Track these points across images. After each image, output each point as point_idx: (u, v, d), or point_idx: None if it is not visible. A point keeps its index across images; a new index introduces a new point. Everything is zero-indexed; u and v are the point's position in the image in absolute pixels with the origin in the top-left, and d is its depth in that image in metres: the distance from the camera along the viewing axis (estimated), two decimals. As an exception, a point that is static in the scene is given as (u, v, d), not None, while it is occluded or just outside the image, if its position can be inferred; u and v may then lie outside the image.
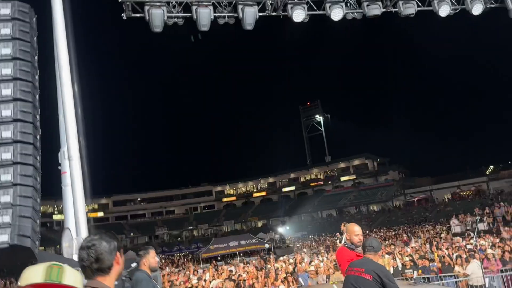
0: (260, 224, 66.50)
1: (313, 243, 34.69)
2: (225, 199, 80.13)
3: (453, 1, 9.36)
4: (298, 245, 34.04)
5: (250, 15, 9.34)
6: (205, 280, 14.20)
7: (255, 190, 79.87)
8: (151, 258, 4.73)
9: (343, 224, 12.76)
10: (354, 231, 5.11)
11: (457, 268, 11.96)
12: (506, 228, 20.16)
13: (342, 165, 72.93)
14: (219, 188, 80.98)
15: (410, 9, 9.30)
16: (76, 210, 5.73)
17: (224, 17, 9.60)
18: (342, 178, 71.42)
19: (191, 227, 71.05)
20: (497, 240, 15.52)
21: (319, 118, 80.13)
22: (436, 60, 77.15)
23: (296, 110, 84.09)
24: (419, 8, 9.54)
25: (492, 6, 9.37)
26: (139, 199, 76.97)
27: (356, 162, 71.43)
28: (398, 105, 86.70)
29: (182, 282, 14.53)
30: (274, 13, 9.91)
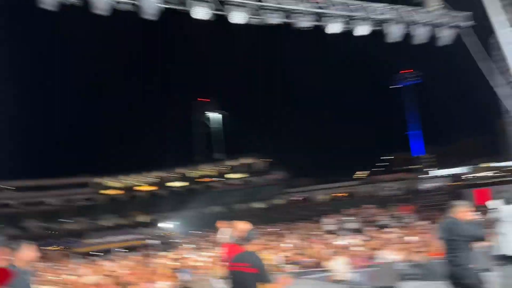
0: (144, 219, 64.75)
1: (199, 239, 34.84)
2: (106, 192, 76.37)
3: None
4: (183, 240, 33.90)
5: (150, 4, 9.19)
6: (80, 276, 13.54)
7: (141, 184, 77.52)
8: (26, 252, 4.50)
9: (218, 221, 13.09)
10: (239, 228, 5.36)
11: (327, 263, 13.04)
12: (370, 228, 22.41)
13: (231, 163, 74.44)
14: (99, 180, 76.83)
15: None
16: None
17: (124, 3, 9.30)
18: (231, 176, 72.92)
19: (66, 220, 66.51)
20: (364, 239, 17.25)
21: (212, 115, 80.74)
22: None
23: (189, 105, 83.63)
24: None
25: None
26: (7, 187, 69.85)
27: (246, 160, 73.54)
28: (288, 110, 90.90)
29: (55, 278, 13.67)
30: (174, 6, 9.87)
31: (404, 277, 9.74)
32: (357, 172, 71.35)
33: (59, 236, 56.96)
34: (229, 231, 6.99)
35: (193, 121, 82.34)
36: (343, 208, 38.77)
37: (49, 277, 13.93)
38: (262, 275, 4.33)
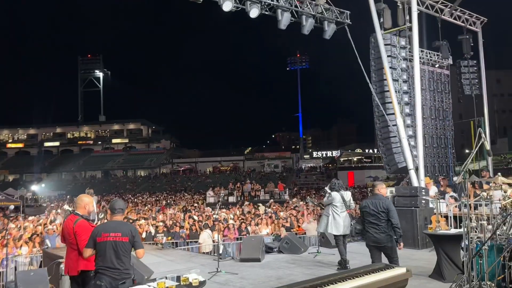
0: (11, 178, 59.44)
1: (71, 203, 32.98)
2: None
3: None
4: (52, 205, 31.86)
5: None
6: None
7: (10, 140, 70.62)
8: None
9: (88, 188, 12.58)
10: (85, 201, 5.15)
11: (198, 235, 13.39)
12: (247, 203, 23.40)
13: (116, 127, 71.28)
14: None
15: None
16: None
17: None
18: (114, 140, 69.95)
19: None
20: (238, 212, 17.98)
21: (99, 73, 76.02)
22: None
23: (75, 60, 77.58)
24: None
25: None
26: None
27: (131, 126, 70.92)
28: (181, 78, 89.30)
29: None
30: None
31: (269, 249, 10.46)
32: (246, 148, 73.39)
33: None
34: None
35: (80, 79, 76.78)
36: (227, 182, 39.83)
37: None
38: (133, 240, 4.57)
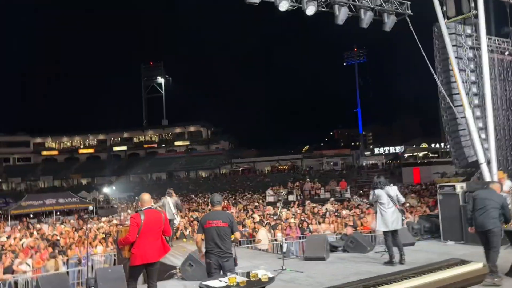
0: (84, 182, 63.14)
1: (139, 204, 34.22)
2: (45, 153, 73.40)
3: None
4: (123, 206, 33.51)
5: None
6: (14, 239, 13.21)
7: (81, 146, 75.06)
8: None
9: (169, 188, 13.15)
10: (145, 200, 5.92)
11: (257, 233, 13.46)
12: (308, 202, 23.27)
13: (178, 130, 73.62)
14: (38, 140, 73.63)
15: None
16: None
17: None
18: (176, 143, 72.24)
19: (0, 180, 63.56)
20: (299, 211, 17.92)
21: (161, 80, 78.78)
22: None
23: (138, 68, 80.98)
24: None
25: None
26: None
27: (192, 128, 72.90)
28: (237, 83, 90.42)
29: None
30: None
31: (333, 248, 10.35)
32: (304, 146, 72.95)
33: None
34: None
35: (143, 85, 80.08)
36: (285, 181, 39.79)
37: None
38: (231, 225, 5.81)
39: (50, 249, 11.62)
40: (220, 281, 4.37)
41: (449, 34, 11.04)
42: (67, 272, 9.71)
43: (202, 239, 5.82)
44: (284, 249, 11.11)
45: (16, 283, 9.27)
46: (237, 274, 4.51)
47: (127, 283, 6.04)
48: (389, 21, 11.24)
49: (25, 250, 11.28)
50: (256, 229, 14.27)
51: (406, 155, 51.07)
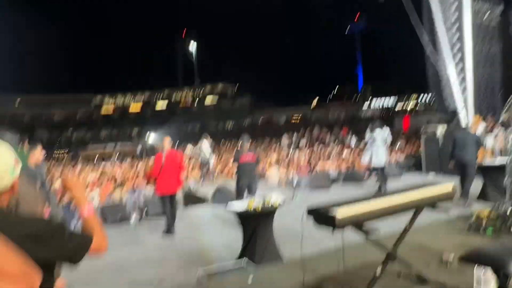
0: (135, 132, 64.50)
1: (177, 149, 35.17)
2: (103, 108, 74.90)
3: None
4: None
5: None
6: (82, 175, 13.86)
7: (132, 102, 76.15)
8: (38, 154, 4.65)
9: (205, 135, 13.30)
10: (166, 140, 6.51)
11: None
12: (316, 144, 23.41)
13: (208, 88, 73.66)
14: (99, 98, 74.96)
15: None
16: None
17: None
18: (207, 99, 72.53)
19: (70, 131, 65.51)
20: (309, 152, 18.10)
21: (194, 45, 77.83)
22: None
23: (175, 35, 79.93)
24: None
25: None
26: (19, 99, 67.30)
27: (219, 86, 72.84)
28: (257, 45, 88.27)
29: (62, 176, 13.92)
30: None
31: (334, 181, 10.59)
32: (312, 99, 72.32)
33: (66, 145, 56.35)
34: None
35: (180, 50, 79.38)
36: (298, 129, 39.83)
37: (59, 176, 14.19)
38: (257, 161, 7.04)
39: (112, 183, 12.20)
40: (242, 204, 4.59)
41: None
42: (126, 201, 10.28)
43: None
44: (295, 183, 11.41)
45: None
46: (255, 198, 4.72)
47: (163, 210, 6.50)
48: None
49: (91, 184, 11.83)
50: (270, 167, 14.59)
51: (397, 109, 50.17)
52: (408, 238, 3.24)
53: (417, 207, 2.84)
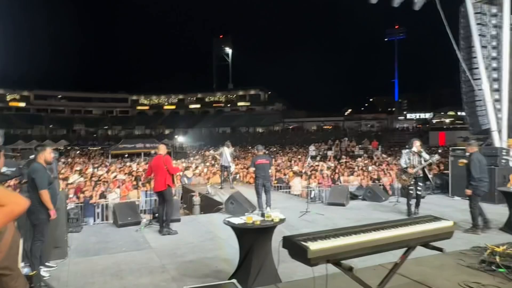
0: (167, 132, 65.96)
1: (206, 152, 35.63)
2: (139, 107, 77.17)
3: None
4: (194, 152, 34.77)
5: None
6: (107, 172, 14.22)
7: (166, 103, 77.98)
8: (48, 154, 4.75)
9: (227, 141, 13.40)
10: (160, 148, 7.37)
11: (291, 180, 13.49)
12: (343, 157, 22.83)
13: (240, 92, 74.05)
14: (134, 97, 77.36)
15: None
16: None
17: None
18: (239, 103, 72.90)
19: (106, 127, 67.95)
20: (333, 165, 17.66)
21: (228, 50, 78.70)
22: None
23: (210, 40, 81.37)
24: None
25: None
26: (59, 96, 70.71)
27: (252, 91, 72.98)
28: (291, 52, 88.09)
29: (88, 172, 14.39)
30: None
31: (354, 197, 10.21)
32: (345, 109, 70.90)
33: (100, 139, 58.56)
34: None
35: (214, 55, 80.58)
36: (328, 138, 39.14)
37: (84, 171, 14.66)
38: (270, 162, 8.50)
39: (134, 182, 12.42)
40: (240, 218, 4.45)
41: (475, 13, 9.94)
42: (148, 201, 10.44)
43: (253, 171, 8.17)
44: (312, 195, 11.12)
45: (106, 205, 10.05)
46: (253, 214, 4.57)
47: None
48: (419, 1, 10.29)
49: (115, 182, 12.09)
50: (292, 177, 14.36)
51: (434, 121, 48.12)
52: (405, 271, 2.98)
53: (407, 246, 2.59)
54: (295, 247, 2.14)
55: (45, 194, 4.42)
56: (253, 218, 4.36)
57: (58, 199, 5.08)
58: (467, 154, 6.77)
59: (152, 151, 28.28)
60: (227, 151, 11.89)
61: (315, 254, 2.09)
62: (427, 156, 7.68)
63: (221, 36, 79.56)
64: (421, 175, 7.73)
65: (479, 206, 6.39)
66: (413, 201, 7.80)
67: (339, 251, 2.18)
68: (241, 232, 4.35)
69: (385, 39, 64.01)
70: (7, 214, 1.49)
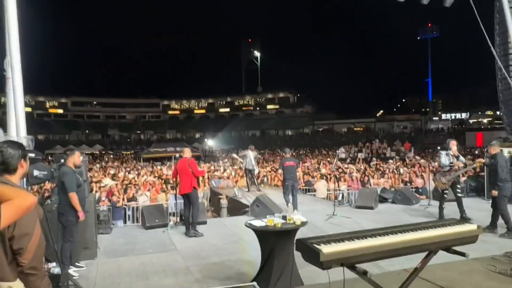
0: (197, 135, 67.04)
1: (234, 155, 35.58)
2: (170, 112, 78.93)
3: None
4: (223, 155, 35.07)
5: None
6: (138, 176, 14.61)
7: (196, 108, 79.28)
8: (76, 157, 4.95)
9: (251, 145, 13.45)
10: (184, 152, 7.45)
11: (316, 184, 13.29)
12: (374, 159, 22.31)
13: (269, 95, 74.07)
14: (166, 102, 79.23)
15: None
16: (16, 112, 5.67)
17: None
18: (268, 106, 72.94)
19: (139, 132, 69.99)
20: (363, 167, 17.28)
21: (257, 54, 79.03)
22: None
23: (239, 44, 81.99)
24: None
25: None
26: (95, 102, 73.70)
27: (281, 94, 72.86)
28: (320, 54, 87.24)
29: (122, 175, 14.85)
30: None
31: (383, 200, 9.94)
32: (378, 111, 69.28)
33: (133, 144, 60.45)
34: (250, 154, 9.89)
35: (243, 59, 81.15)
36: (359, 141, 38.39)
37: (117, 174, 15.15)
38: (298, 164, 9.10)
39: (163, 185, 12.71)
40: (262, 221, 4.44)
41: (511, 7, 9.41)
42: (175, 203, 10.62)
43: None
44: (339, 198, 10.92)
45: (137, 208, 10.33)
46: (275, 217, 4.54)
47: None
48: (450, -3, 9.90)
49: (145, 185, 12.42)
50: (318, 180, 14.15)
51: (471, 121, 46.01)
52: (430, 276, 2.85)
53: (428, 250, 2.48)
54: (308, 250, 2.11)
55: (74, 197, 4.60)
56: (274, 220, 4.34)
57: (87, 202, 5.28)
58: (488, 155, 6.57)
59: (177, 155, 28.94)
60: (251, 154, 11.94)
61: (328, 257, 2.05)
62: (463, 160, 7.42)
63: (249, 40, 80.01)
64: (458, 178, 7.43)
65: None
66: (446, 205, 7.51)
67: (353, 254, 2.12)
68: (262, 234, 4.34)
69: (418, 38, 61.99)
70: (15, 207, 1.57)
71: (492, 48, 10.02)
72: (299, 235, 6.69)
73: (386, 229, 2.46)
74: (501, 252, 4.38)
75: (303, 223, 4.40)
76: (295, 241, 2.31)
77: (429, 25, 60.35)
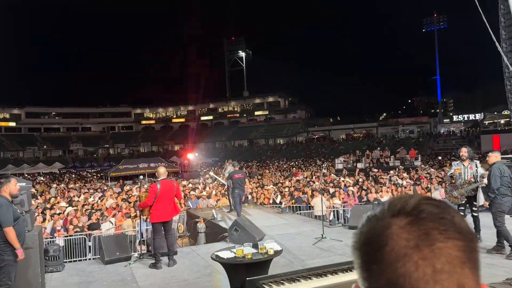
0: (176, 148, 66.75)
1: (221, 169, 35.57)
2: (144, 122, 78.59)
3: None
4: (205, 170, 34.84)
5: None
6: (101, 199, 14.42)
7: (174, 116, 79.13)
8: (12, 186, 4.83)
9: (235, 161, 13.47)
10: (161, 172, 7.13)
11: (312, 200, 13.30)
12: (375, 170, 22.43)
13: (257, 100, 74.37)
14: (138, 111, 78.91)
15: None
16: None
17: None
18: (256, 113, 73.19)
19: (107, 146, 69.41)
20: (361, 180, 17.35)
21: (242, 53, 79.47)
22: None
23: (221, 43, 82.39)
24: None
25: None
26: (54, 113, 72.76)
27: (270, 99, 73.19)
28: (313, 52, 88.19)
29: (78, 199, 14.66)
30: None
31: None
32: (379, 114, 69.94)
33: (101, 160, 59.89)
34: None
35: (226, 59, 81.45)
36: (359, 148, 38.64)
37: (75, 199, 14.95)
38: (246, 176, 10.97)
39: (130, 210, 12.55)
40: (231, 251, 4.42)
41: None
42: (146, 230, 10.49)
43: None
44: (330, 218, 10.93)
45: (99, 238, 10.18)
46: (244, 246, 4.52)
47: (153, 236, 7.01)
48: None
49: (109, 210, 12.27)
50: (315, 196, 14.17)
51: (486, 122, 46.72)
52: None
53: None
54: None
55: (10, 232, 4.49)
56: (244, 250, 4.33)
57: (30, 236, 5.18)
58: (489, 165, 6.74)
59: (150, 172, 28.72)
60: (231, 171, 11.85)
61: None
62: (482, 171, 7.16)
63: (233, 38, 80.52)
64: (474, 193, 7.19)
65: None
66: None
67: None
68: (230, 268, 4.32)
69: (423, 30, 63.04)
70: None
71: (496, 43, 10.26)
72: (283, 263, 6.67)
73: (350, 264, 2.45)
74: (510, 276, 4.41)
75: (277, 252, 4.39)
76: (246, 281, 2.29)
77: (435, 15, 61.48)
